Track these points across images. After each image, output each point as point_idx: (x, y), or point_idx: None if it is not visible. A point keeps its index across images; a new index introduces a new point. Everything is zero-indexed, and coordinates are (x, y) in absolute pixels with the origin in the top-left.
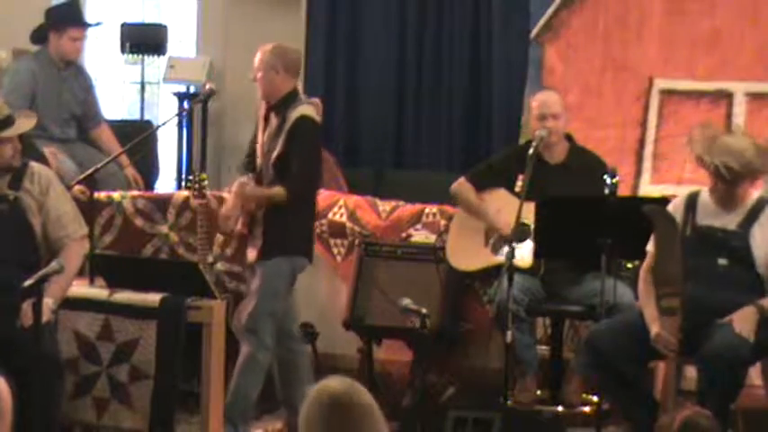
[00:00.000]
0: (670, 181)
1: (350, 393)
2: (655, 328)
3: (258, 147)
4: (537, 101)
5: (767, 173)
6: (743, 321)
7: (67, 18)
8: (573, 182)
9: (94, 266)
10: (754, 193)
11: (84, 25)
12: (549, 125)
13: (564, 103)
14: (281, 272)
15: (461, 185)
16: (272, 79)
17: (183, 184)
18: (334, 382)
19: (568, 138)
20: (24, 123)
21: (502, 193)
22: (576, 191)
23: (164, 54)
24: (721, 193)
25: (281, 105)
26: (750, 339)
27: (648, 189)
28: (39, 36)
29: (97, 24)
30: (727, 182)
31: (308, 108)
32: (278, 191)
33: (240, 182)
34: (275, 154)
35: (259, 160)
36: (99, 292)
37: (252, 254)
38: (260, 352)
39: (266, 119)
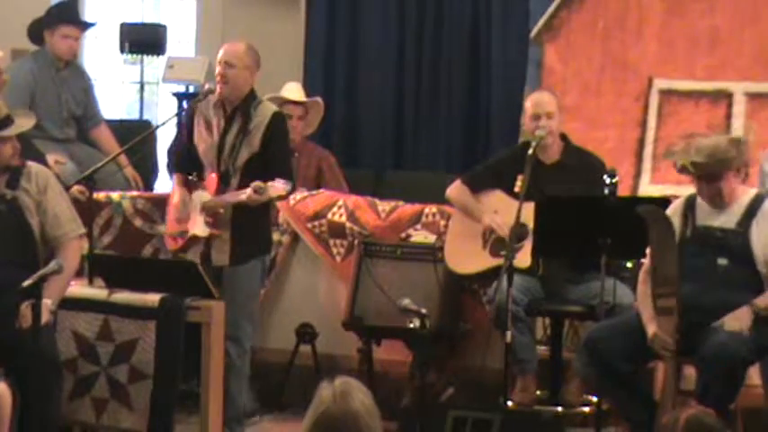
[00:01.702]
0: (670, 181)
1: (339, 401)
2: (651, 329)
3: (211, 147)
4: (531, 100)
5: (744, 163)
6: (735, 320)
7: (61, 16)
8: (568, 181)
9: (94, 267)
10: (751, 191)
11: (77, 23)
12: (543, 124)
13: (559, 103)
14: (257, 274)
15: (457, 188)
16: (245, 78)
17: None
18: (326, 392)
19: (563, 137)
20: (24, 123)
21: (498, 195)
22: (572, 190)
23: (163, 54)
24: (706, 193)
25: (243, 104)
26: (744, 333)
27: (648, 189)
28: (36, 36)
29: (92, 24)
30: (703, 178)
31: (273, 105)
32: (281, 189)
33: (257, 185)
34: (248, 153)
35: (210, 160)
36: (98, 292)
37: (220, 257)
38: (241, 358)
39: (228, 118)
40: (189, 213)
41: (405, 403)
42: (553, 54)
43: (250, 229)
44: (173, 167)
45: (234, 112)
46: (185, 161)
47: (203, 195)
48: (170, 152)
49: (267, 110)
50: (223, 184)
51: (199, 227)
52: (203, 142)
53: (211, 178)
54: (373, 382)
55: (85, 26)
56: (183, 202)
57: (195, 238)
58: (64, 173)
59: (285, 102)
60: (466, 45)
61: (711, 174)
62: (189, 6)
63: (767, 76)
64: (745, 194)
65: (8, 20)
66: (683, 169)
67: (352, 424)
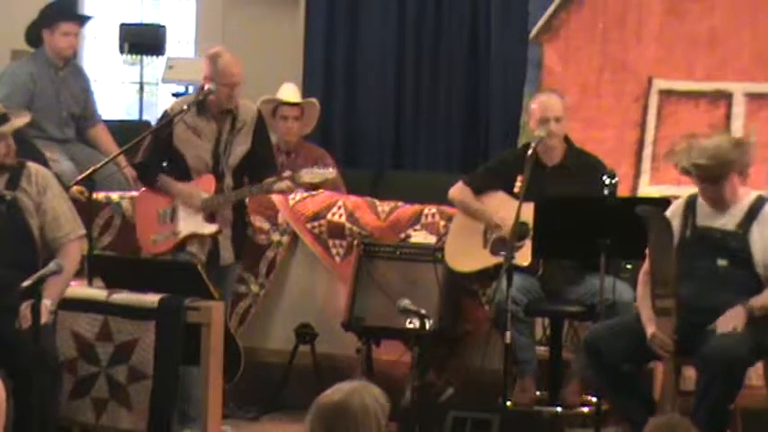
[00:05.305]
0: (669, 182)
1: (341, 395)
2: (651, 329)
3: (205, 151)
4: (538, 103)
5: (746, 164)
6: (730, 320)
7: (60, 14)
8: (571, 183)
9: (93, 267)
10: (751, 192)
11: (76, 19)
12: (552, 128)
13: (564, 106)
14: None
15: (459, 189)
16: None
17: None
18: (337, 385)
19: (565, 139)
20: (17, 121)
21: (500, 196)
22: (574, 192)
23: (162, 54)
24: (708, 194)
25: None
26: (739, 330)
27: (648, 190)
28: (33, 38)
29: (89, 18)
30: (706, 180)
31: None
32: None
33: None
34: (242, 151)
35: (205, 162)
36: (98, 292)
37: (227, 255)
38: None
39: (219, 121)
40: (175, 217)
41: (404, 403)
42: (552, 54)
43: (243, 225)
44: (153, 178)
45: (223, 115)
46: (159, 169)
47: (201, 194)
48: (149, 165)
49: (249, 108)
50: (219, 183)
51: (198, 225)
52: (193, 148)
53: (208, 178)
54: (373, 382)
55: (84, 20)
56: (164, 211)
57: (193, 237)
58: (63, 173)
59: (281, 103)
60: (465, 45)
61: (715, 176)
62: (188, 7)
63: (766, 76)
64: (746, 196)
65: (8, 20)
66: (685, 171)
67: (340, 415)
